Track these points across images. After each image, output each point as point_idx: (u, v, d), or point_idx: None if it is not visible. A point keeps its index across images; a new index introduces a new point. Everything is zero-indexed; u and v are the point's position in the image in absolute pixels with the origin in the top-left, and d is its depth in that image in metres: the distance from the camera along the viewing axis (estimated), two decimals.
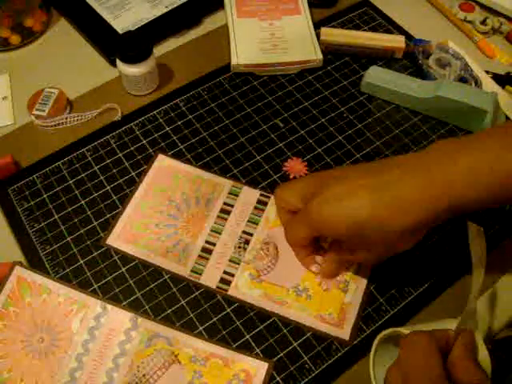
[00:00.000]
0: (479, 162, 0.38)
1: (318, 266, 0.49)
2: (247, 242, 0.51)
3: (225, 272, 0.49)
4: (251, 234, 0.51)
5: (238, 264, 0.50)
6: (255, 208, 0.53)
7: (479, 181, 0.38)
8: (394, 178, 0.41)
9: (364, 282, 0.49)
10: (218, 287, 0.49)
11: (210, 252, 0.50)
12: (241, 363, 0.45)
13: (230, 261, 0.50)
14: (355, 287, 0.49)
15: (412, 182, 0.40)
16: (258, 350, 0.46)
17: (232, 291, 0.48)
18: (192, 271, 0.49)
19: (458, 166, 0.39)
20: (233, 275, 0.49)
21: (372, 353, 0.41)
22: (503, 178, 0.38)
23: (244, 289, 0.48)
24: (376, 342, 0.41)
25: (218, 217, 0.52)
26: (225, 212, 0.53)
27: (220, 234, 0.51)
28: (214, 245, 0.51)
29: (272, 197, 0.54)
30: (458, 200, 0.39)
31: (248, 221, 0.52)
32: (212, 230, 0.52)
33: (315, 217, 0.43)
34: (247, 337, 0.46)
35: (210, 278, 0.49)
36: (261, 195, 0.54)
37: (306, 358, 0.45)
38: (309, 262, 0.49)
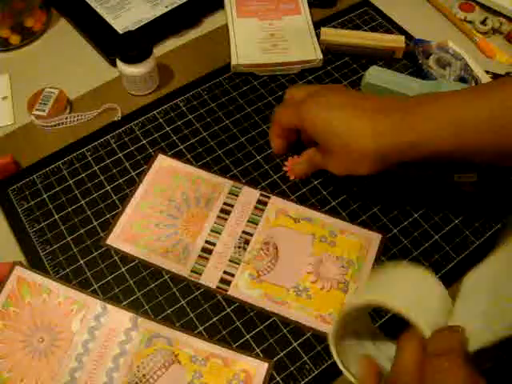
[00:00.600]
0: (438, 117, 0.43)
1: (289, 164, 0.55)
2: (247, 242, 0.51)
3: (225, 272, 0.49)
4: (251, 234, 0.51)
5: (238, 264, 0.50)
6: (255, 208, 0.53)
7: (438, 132, 0.43)
8: (381, 106, 0.46)
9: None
10: (218, 287, 0.49)
11: (210, 252, 0.50)
12: (241, 363, 0.45)
13: (230, 261, 0.50)
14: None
15: (390, 116, 0.45)
16: (258, 350, 0.46)
17: (232, 291, 0.48)
18: (192, 271, 0.49)
19: (426, 112, 0.44)
20: (233, 275, 0.49)
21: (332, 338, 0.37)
22: (452, 134, 0.43)
23: (244, 289, 0.48)
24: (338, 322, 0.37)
25: (218, 217, 0.52)
26: (225, 212, 0.53)
27: (220, 234, 0.51)
28: (214, 245, 0.51)
29: (272, 197, 0.54)
30: (418, 141, 0.44)
31: (248, 221, 0.52)
32: (212, 230, 0.52)
33: (304, 108, 0.49)
34: (247, 337, 0.46)
35: (209, 278, 0.49)
36: (261, 195, 0.54)
37: (305, 358, 0.45)
38: (276, 142, 0.55)
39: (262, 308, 0.48)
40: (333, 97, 0.48)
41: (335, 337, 0.37)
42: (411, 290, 0.35)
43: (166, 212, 0.53)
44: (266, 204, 0.53)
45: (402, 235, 0.52)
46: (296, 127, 0.51)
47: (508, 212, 0.53)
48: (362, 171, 0.47)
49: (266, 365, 0.45)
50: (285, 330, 0.47)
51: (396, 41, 0.65)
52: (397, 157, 0.45)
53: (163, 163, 0.56)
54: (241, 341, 0.46)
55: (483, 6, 0.72)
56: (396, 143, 0.44)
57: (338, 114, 0.47)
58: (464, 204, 0.54)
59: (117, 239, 0.51)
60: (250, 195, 0.54)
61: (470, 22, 0.71)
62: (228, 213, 0.53)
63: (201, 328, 0.47)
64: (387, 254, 0.51)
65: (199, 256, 0.50)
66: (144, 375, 0.44)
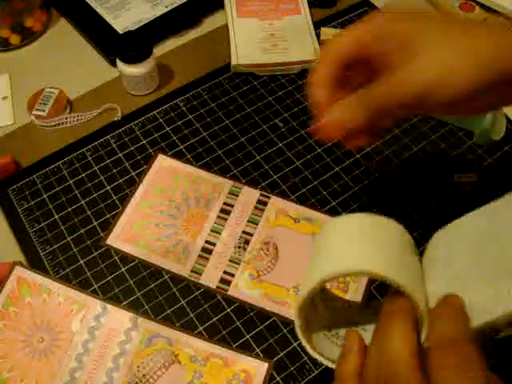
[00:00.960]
0: None
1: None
2: (247, 242, 0.51)
3: (225, 272, 0.49)
4: (251, 234, 0.51)
5: (238, 264, 0.50)
6: (255, 208, 0.53)
7: None
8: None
9: (364, 281, 0.49)
10: (218, 287, 0.49)
11: (210, 252, 0.50)
12: (241, 363, 0.45)
13: (230, 261, 0.50)
14: (355, 287, 0.49)
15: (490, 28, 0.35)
16: (258, 350, 0.46)
17: (232, 291, 0.48)
18: (192, 271, 0.49)
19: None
20: (233, 275, 0.49)
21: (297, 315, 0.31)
22: None
23: (244, 289, 0.48)
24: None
25: (218, 217, 0.52)
26: (225, 212, 0.53)
27: (220, 234, 0.51)
28: (214, 245, 0.51)
29: (272, 197, 0.54)
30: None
31: (248, 221, 0.52)
32: (212, 230, 0.52)
33: (387, 17, 0.36)
34: (247, 337, 0.46)
35: (210, 278, 0.49)
36: (261, 195, 0.54)
37: (305, 358, 0.45)
38: (319, 92, 0.37)
39: (261, 308, 0.48)
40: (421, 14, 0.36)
41: (301, 322, 0.31)
42: (384, 249, 0.28)
43: (166, 212, 0.53)
44: (266, 204, 0.53)
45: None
46: (363, 47, 0.36)
47: None
48: (459, 80, 0.34)
49: (265, 365, 0.45)
50: (285, 330, 0.47)
51: None
52: (500, 63, 0.34)
53: (163, 163, 0.56)
54: (241, 341, 0.46)
55: (483, 6, 0.72)
56: (501, 44, 0.33)
57: (426, 21, 0.35)
58: (464, 204, 0.54)
59: (117, 239, 0.51)
60: (250, 195, 0.54)
61: None
62: (228, 213, 0.53)
63: (201, 328, 0.47)
64: None
65: (199, 256, 0.50)
66: (144, 375, 0.44)
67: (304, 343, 0.32)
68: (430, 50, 0.34)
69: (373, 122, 0.37)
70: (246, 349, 0.46)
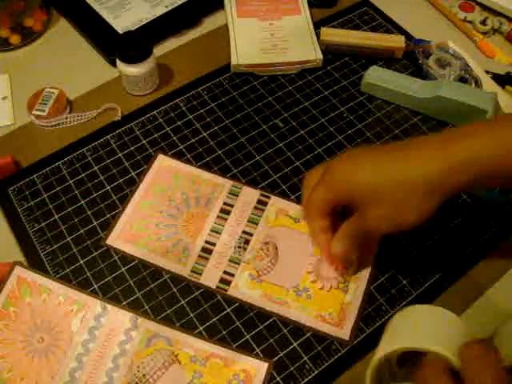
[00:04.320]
0: (490, 134, 0.40)
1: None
2: (247, 242, 0.51)
3: (225, 272, 0.49)
4: (251, 234, 0.51)
5: (238, 264, 0.50)
6: (255, 208, 0.53)
7: (491, 146, 0.39)
8: (413, 140, 0.42)
9: (364, 281, 0.49)
10: (217, 287, 0.49)
11: (209, 252, 0.50)
12: (241, 363, 0.45)
13: (230, 261, 0.50)
14: (355, 287, 0.49)
15: (430, 141, 0.41)
16: (257, 350, 0.46)
17: (232, 291, 0.48)
18: (192, 271, 0.49)
19: (471, 134, 0.41)
20: (233, 275, 0.49)
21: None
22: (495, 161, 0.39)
23: (244, 289, 0.48)
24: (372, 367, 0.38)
25: (218, 217, 0.52)
26: (225, 212, 0.53)
27: (220, 233, 0.51)
28: (213, 245, 0.51)
29: (272, 197, 0.54)
30: (472, 158, 0.39)
31: (248, 221, 0.52)
32: (212, 230, 0.52)
33: (329, 172, 0.44)
34: (247, 337, 0.46)
35: (209, 278, 0.49)
36: (261, 195, 0.54)
37: (305, 358, 0.45)
38: (320, 239, 0.47)
39: (261, 308, 0.48)
40: (354, 150, 0.46)
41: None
42: (436, 329, 0.36)
43: (166, 212, 0.53)
44: (266, 204, 0.53)
45: (401, 234, 0.52)
46: (332, 203, 0.45)
47: (507, 213, 0.53)
48: (412, 217, 0.41)
49: (266, 365, 0.45)
50: (285, 330, 0.47)
51: (396, 41, 0.65)
52: (448, 183, 0.40)
53: (163, 163, 0.56)
54: (241, 341, 0.46)
55: (483, 6, 0.72)
56: (443, 166, 0.39)
57: (364, 161, 0.43)
58: (464, 204, 0.54)
59: (117, 239, 0.51)
60: (250, 195, 0.54)
61: (470, 21, 0.71)
62: (228, 213, 0.53)
63: (201, 328, 0.47)
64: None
65: (199, 256, 0.50)
66: (144, 375, 0.44)
67: None
68: (377, 207, 0.42)
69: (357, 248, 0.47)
70: (246, 349, 0.46)
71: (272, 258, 0.50)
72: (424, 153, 0.41)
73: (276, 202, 0.53)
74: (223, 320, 0.47)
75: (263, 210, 0.53)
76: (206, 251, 0.50)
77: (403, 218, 0.42)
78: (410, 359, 0.38)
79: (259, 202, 0.53)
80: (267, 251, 0.50)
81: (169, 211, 0.53)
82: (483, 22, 0.70)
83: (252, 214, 0.53)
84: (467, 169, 0.39)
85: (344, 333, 0.46)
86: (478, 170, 0.39)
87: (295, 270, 0.49)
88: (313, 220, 0.47)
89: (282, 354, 0.46)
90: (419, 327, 0.37)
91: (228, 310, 0.48)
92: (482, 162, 0.39)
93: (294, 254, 0.50)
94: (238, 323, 0.47)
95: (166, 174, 0.55)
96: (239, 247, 0.50)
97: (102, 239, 0.51)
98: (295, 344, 0.46)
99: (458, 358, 0.34)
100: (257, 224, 0.52)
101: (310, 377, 0.45)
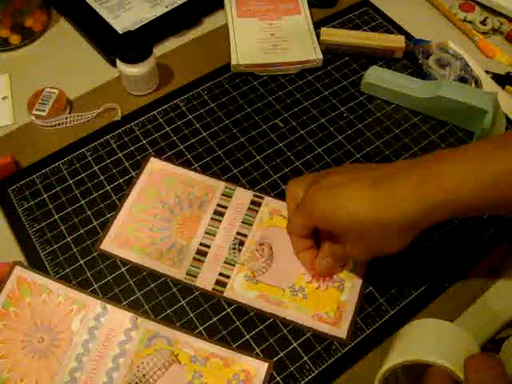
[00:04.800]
0: (465, 171, 0.39)
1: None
2: (242, 244, 0.51)
3: (220, 274, 0.49)
4: (245, 235, 0.51)
5: (234, 265, 0.50)
6: (249, 209, 0.53)
7: (466, 186, 0.39)
8: (391, 171, 0.42)
9: (359, 280, 0.49)
10: (213, 289, 0.48)
11: (204, 254, 0.50)
12: (241, 363, 0.45)
13: (225, 262, 0.50)
14: (351, 286, 0.49)
15: (406, 179, 0.41)
16: (257, 350, 0.46)
17: (228, 293, 0.48)
18: (187, 274, 0.49)
19: (446, 173, 0.40)
20: (228, 277, 0.49)
21: None
22: (486, 187, 0.38)
23: (240, 290, 0.48)
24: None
25: (212, 219, 0.52)
26: (218, 214, 0.52)
27: (214, 235, 0.51)
28: (208, 247, 0.51)
29: (265, 197, 0.54)
30: (447, 200, 0.39)
31: (242, 222, 0.52)
32: (206, 232, 0.51)
33: (309, 204, 0.45)
34: (247, 337, 0.46)
35: (205, 281, 0.49)
36: (254, 196, 0.54)
37: (305, 358, 0.45)
38: (304, 257, 0.49)
39: (257, 309, 0.47)
40: (335, 176, 0.45)
41: None
42: (442, 342, 0.38)
43: (159, 215, 0.52)
44: (259, 205, 0.53)
45: None
46: (313, 227, 0.47)
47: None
48: (390, 249, 0.43)
49: (266, 365, 0.45)
50: (285, 330, 0.47)
51: (396, 41, 0.65)
52: (425, 222, 0.41)
53: (155, 167, 0.56)
54: (241, 341, 0.46)
55: (483, 6, 0.72)
56: (420, 207, 0.39)
57: (344, 198, 0.42)
58: None
59: (111, 244, 0.51)
60: (243, 196, 0.54)
61: (470, 21, 0.71)
62: (222, 214, 0.52)
63: (201, 328, 0.47)
64: None
65: (194, 258, 0.50)
66: (144, 375, 0.44)
67: None
68: (357, 242, 0.44)
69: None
70: (245, 349, 0.46)
71: (267, 258, 0.50)
72: (404, 192, 0.40)
73: (270, 203, 0.53)
74: (223, 320, 0.47)
75: (257, 211, 0.53)
76: (201, 253, 0.50)
77: (381, 250, 0.44)
78: (417, 368, 0.39)
79: (253, 202, 0.53)
80: (262, 252, 0.50)
81: (162, 214, 0.52)
82: (483, 22, 0.70)
83: (246, 215, 0.52)
84: (443, 209, 0.39)
85: (341, 332, 0.46)
86: (453, 210, 0.40)
87: (291, 270, 0.49)
88: (294, 241, 0.50)
89: (281, 354, 0.46)
90: (427, 340, 0.39)
91: (228, 309, 0.48)
92: (458, 201, 0.39)
93: (289, 253, 0.50)
94: (237, 323, 0.47)
95: (159, 178, 0.55)
96: (234, 249, 0.50)
97: (96, 244, 0.51)
98: (295, 344, 0.46)
99: (463, 371, 0.35)
100: (251, 225, 0.52)
101: (310, 377, 0.45)
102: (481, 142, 0.41)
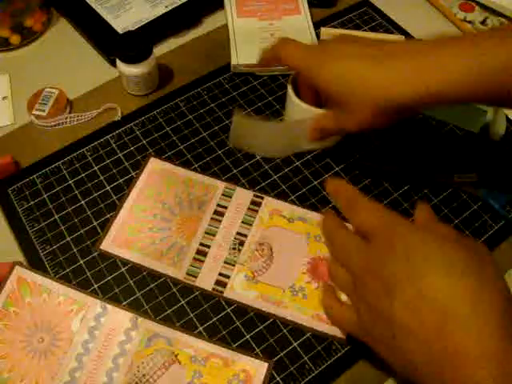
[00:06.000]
0: (457, 56, 0.41)
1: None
2: (242, 243, 0.51)
3: (220, 274, 0.49)
4: (245, 235, 0.51)
5: (233, 265, 0.50)
6: (249, 209, 0.53)
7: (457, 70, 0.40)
8: (395, 51, 0.43)
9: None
10: (213, 289, 0.48)
11: (204, 254, 0.50)
12: (241, 363, 0.45)
13: (225, 262, 0.50)
14: None
15: (407, 60, 0.42)
16: (257, 350, 0.46)
17: (228, 293, 0.48)
18: (187, 274, 0.49)
19: (445, 56, 0.41)
20: (228, 277, 0.49)
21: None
22: (499, 70, 0.40)
23: (240, 290, 0.48)
24: None
25: (212, 219, 0.52)
26: (218, 214, 0.52)
27: (214, 235, 0.51)
28: (208, 247, 0.51)
29: (265, 197, 0.54)
30: (440, 83, 0.41)
31: (242, 222, 0.52)
32: (206, 232, 0.51)
33: (316, 65, 0.46)
34: (247, 337, 0.46)
35: (205, 281, 0.49)
36: (254, 196, 0.54)
37: (305, 358, 0.45)
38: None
39: (258, 309, 0.47)
40: (345, 47, 0.46)
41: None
42: None
43: (159, 215, 0.52)
44: (259, 205, 0.53)
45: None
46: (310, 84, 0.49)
47: (507, 213, 0.53)
48: (378, 124, 0.45)
49: (266, 365, 0.45)
50: (284, 330, 0.47)
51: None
52: (414, 105, 0.42)
53: (155, 167, 0.56)
54: (241, 341, 0.46)
55: (483, 6, 0.72)
56: (412, 92, 0.41)
57: (349, 66, 0.44)
58: (464, 204, 0.54)
59: (111, 244, 0.51)
60: (243, 196, 0.54)
61: (469, 22, 0.71)
62: (222, 214, 0.52)
63: (201, 328, 0.47)
64: None
65: (194, 258, 0.50)
66: (144, 375, 0.44)
67: None
68: (353, 101, 0.45)
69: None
70: (245, 349, 0.46)
71: (267, 258, 0.50)
72: (398, 69, 0.42)
73: (270, 203, 0.53)
74: (223, 320, 0.47)
75: (257, 211, 0.53)
76: (201, 253, 0.50)
77: (370, 124, 0.45)
78: None
79: (253, 202, 0.53)
80: (262, 252, 0.50)
81: (162, 214, 0.52)
82: (483, 22, 0.70)
83: (246, 215, 0.53)
84: (435, 97, 0.41)
85: (341, 332, 0.46)
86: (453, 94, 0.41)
87: (290, 270, 0.49)
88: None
89: (281, 354, 0.46)
90: None
91: (228, 309, 0.48)
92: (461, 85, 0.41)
93: (289, 253, 0.50)
94: (237, 323, 0.47)
95: (159, 178, 0.55)
96: (234, 248, 0.50)
97: (96, 244, 0.51)
98: (295, 344, 0.46)
99: None
100: (251, 225, 0.52)
101: (310, 377, 0.45)
102: (483, 32, 0.44)
